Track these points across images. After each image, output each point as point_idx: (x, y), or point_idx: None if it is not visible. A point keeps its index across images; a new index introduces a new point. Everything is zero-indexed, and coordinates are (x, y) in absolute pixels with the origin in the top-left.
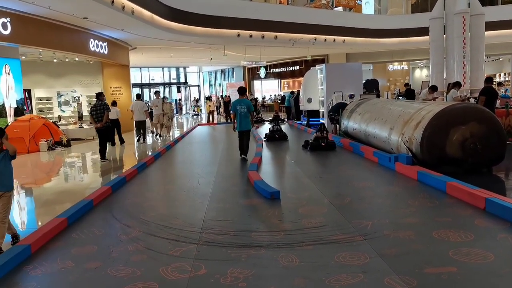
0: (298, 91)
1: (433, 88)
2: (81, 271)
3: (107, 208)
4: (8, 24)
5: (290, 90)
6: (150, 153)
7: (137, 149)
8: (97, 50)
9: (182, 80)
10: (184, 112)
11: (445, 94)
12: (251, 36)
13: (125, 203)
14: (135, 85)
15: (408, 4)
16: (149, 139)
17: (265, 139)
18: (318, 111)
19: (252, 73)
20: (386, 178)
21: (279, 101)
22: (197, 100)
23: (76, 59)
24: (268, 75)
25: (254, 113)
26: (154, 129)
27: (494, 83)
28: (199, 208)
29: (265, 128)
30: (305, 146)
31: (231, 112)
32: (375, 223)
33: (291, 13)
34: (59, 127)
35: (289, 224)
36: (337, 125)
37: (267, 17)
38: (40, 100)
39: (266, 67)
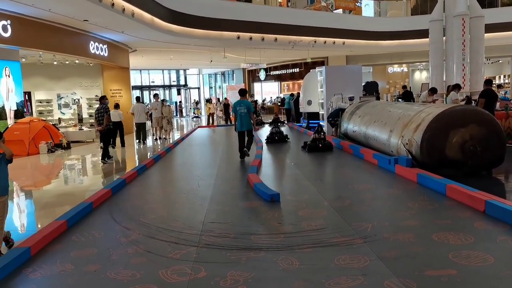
0: (298, 93)
1: (433, 90)
2: (80, 274)
3: (107, 210)
4: (9, 26)
5: (290, 93)
6: (149, 156)
7: (137, 151)
8: (97, 53)
9: (182, 82)
10: (184, 114)
11: (445, 96)
12: (251, 38)
13: (125, 205)
14: (135, 88)
15: (408, 7)
16: (149, 141)
17: (265, 140)
18: (318, 113)
19: (252, 75)
20: (386, 180)
21: (279, 104)
22: (197, 103)
23: (76, 61)
24: (268, 78)
25: (254, 114)
26: (154, 132)
27: (494, 85)
28: (199, 211)
29: (265, 131)
30: (304, 147)
31: (232, 113)
32: (375, 226)
33: (291, 15)
34: (59, 130)
35: (289, 226)
36: (337, 129)
37: (267, 20)
38: (40, 102)
39: (266, 70)
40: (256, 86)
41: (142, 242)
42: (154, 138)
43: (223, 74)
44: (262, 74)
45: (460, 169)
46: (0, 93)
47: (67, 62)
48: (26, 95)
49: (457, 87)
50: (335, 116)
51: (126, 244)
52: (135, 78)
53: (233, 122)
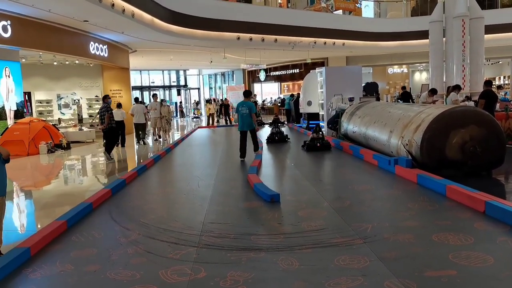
0: (298, 94)
1: (433, 91)
2: (80, 274)
3: (106, 211)
4: (9, 27)
5: (290, 93)
6: (149, 156)
7: (136, 151)
8: (97, 53)
9: (182, 83)
10: (185, 114)
11: (444, 97)
12: (251, 39)
13: (125, 206)
14: (135, 88)
15: (408, 8)
16: (149, 142)
17: (266, 140)
18: (318, 114)
19: (252, 76)
20: (386, 181)
21: (279, 104)
22: (197, 103)
23: (76, 62)
24: (268, 78)
25: (255, 115)
26: (154, 132)
27: (494, 86)
28: (198, 211)
29: (265, 131)
30: (303, 147)
31: (235, 113)
32: (375, 226)
33: (291, 16)
34: (59, 130)
35: (288, 227)
36: (337, 132)
37: (267, 20)
38: (40, 102)
39: (266, 70)
40: (256, 86)
41: (142, 242)
42: (155, 138)
43: (223, 74)
44: (262, 75)
45: (460, 170)
46: (0, 93)
47: (67, 63)
48: (26, 96)
49: (457, 88)
50: (333, 123)
51: (126, 245)
52: (135, 79)
53: (233, 123)
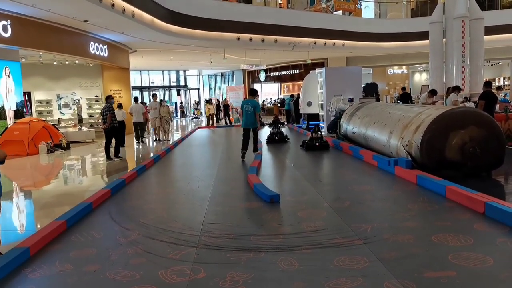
0: (298, 94)
1: (433, 92)
2: (80, 274)
3: (106, 211)
4: (9, 26)
5: (290, 94)
6: (149, 156)
7: (136, 151)
8: (97, 53)
9: (182, 83)
10: (185, 115)
11: (444, 98)
12: (251, 39)
13: (124, 206)
14: (135, 88)
15: (408, 8)
16: (149, 142)
17: (265, 140)
18: (317, 114)
19: (252, 76)
20: (386, 182)
21: (279, 105)
22: (197, 103)
23: (76, 61)
24: (268, 79)
25: (259, 115)
26: (154, 132)
27: (494, 87)
28: (198, 211)
29: (265, 131)
30: (302, 146)
31: (239, 109)
32: (374, 227)
33: (291, 16)
34: (58, 130)
35: (288, 227)
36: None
37: (267, 21)
38: (40, 102)
39: (266, 71)
40: (256, 87)
41: (141, 242)
42: (155, 138)
43: (223, 75)
44: (262, 75)
45: (459, 171)
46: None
47: (67, 63)
48: (26, 95)
49: (456, 89)
50: (335, 126)
51: (125, 245)
52: (135, 79)
53: (232, 123)
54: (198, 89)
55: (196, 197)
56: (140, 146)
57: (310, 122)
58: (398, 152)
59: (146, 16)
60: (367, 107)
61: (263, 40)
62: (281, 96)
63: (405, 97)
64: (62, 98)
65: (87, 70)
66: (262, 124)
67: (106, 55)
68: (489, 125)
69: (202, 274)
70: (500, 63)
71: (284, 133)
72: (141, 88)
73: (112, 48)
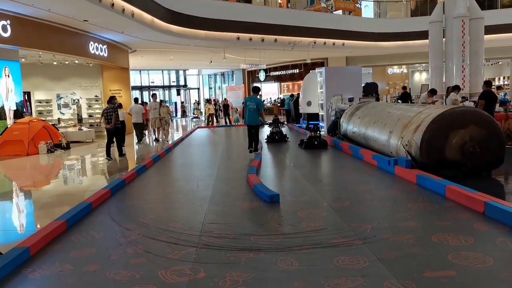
0: (298, 94)
1: (433, 92)
2: (80, 274)
3: (106, 211)
4: (8, 26)
5: (290, 93)
6: (149, 156)
7: (136, 151)
8: (97, 53)
9: (181, 83)
10: (186, 114)
11: (444, 97)
12: (250, 39)
13: (124, 206)
14: (134, 88)
15: (408, 8)
16: (149, 142)
17: (265, 140)
18: (317, 114)
19: (251, 76)
20: (386, 181)
21: (279, 104)
22: (198, 103)
23: (76, 61)
24: (268, 78)
25: (263, 112)
26: (153, 132)
27: (493, 87)
28: (198, 211)
29: (265, 131)
30: (301, 145)
31: (239, 109)
32: (374, 227)
33: (291, 16)
34: (58, 130)
35: (288, 227)
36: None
37: (267, 20)
38: (40, 102)
39: (265, 70)
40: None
41: (141, 242)
42: (154, 138)
43: (222, 74)
44: (261, 75)
45: (459, 170)
46: None
47: (66, 62)
48: (26, 95)
49: (456, 88)
50: (335, 127)
51: (125, 245)
52: (135, 79)
53: (232, 123)
54: (198, 88)
55: (196, 197)
56: (140, 146)
57: (310, 122)
58: (398, 151)
59: (146, 15)
60: (367, 106)
61: (263, 40)
62: (280, 96)
63: (405, 97)
64: (61, 98)
65: (86, 70)
66: (264, 123)
67: (105, 55)
68: (489, 125)
69: (202, 274)
70: (500, 63)
71: (284, 133)
72: (141, 88)
73: (112, 48)
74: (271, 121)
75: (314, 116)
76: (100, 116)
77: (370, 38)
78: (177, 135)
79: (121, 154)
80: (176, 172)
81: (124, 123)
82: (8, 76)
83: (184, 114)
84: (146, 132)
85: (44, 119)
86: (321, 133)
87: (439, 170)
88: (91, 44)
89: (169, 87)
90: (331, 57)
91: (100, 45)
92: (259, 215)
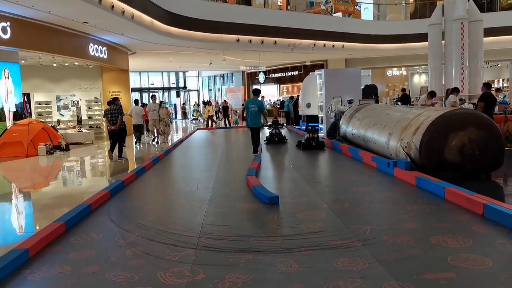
0: (298, 96)
1: (432, 94)
2: (79, 276)
3: (105, 212)
4: (8, 28)
5: (289, 95)
6: (149, 157)
7: (136, 153)
8: (97, 55)
9: (181, 84)
10: (187, 116)
11: (443, 99)
12: (250, 41)
13: (124, 207)
14: (134, 90)
15: (407, 10)
16: (146, 143)
17: (265, 141)
18: (317, 116)
19: (251, 78)
20: (385, 183)
21: (278, 106)
22: (198, 105)
23: (76, 63)
24: (267, 80)
25: (265, 113)
26: (152, 134)
27: (493, 89)
28: (197, 213)
29: (264, 133)
30: (298, 146)
31: (239, 111)
32: (373, 229)
33: (291, 18)
34: (58, 131)
35: (287, 229)
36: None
37: (267, 23)
38: (39, 104)
39: (265, 72)
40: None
41: (140, 244)
42: (152, 140)
43: (222, 76)
44: (261, 77)
45: (459, 172)
46: None
47: (66, 64)
48: (25, 97)
49: (455, 91)
50: (334, 131)
51: (124, 246)
52: (135, 80)
53: (232, 125)
54: (198, 90)
55: (195, 198)
56: (140, 148)
57: (309, 124)
58: (397, 153)
59: (146, 17)
60: (366, 108)
61: (262, 42)
62: (280, 98)
63: (405, 99)
64: (61, 99)
65: (86, 71)
66: (265, 125)
67: (105, 56)
68: (488, 127)
69: (201, 276)
70: (499, 65)
71: (283, 134)
72: (140, 90)
73: (112, 50)
74: (270, 123)
75: (314, 118)
76: (103, 117)
77: (369, 40)
78: (176, 137)
79: (121, 155)
80: (175, 173)
81: (125, 124)
82: (8, 78)
83: (185, 116)
84: (145, 133)
85: (43, 120)
86: (319, 134)
87: (438, 172)
88: (91, 46)
89: (169, 89)
90: (330, 59)
91: (100, 47)
92: (258, 217)
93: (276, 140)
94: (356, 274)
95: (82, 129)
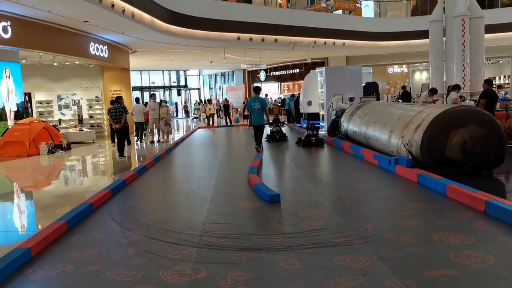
0: (299, 94)
1: (433, 91)
2: (81, 275)
3: (107, 211)
4: (9, 27)
5: (291, 93)
6: (150, 156)
7: (137, 151)
8: (97, 54)
9: (182, 83)
10: (190, 114)
11: (445, 96)
12: (251, 39)
13: (125, 206)
14: (135, 89)
15: (408, 7)
16: (147, 142)
17: (266, 139)
18: (318, 114)
19: (252, 76)
20: (386, 181)
21: (279, 104)
22: (199, 103)
23: (77, 62)
24: (268, 78)
25: (268, 110)
26: (150, 134)
27: (494, 85)
28: (199, 211)
29: (265, 130)
30: (298, 143)
31: (247, 108)
32: (375, 226)
33: (291, 16)
34: (59, 131)
35: (289, 227)
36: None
37: (267, 20)
38: (40, 103)
39: (266, 70)
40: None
41: (142, 242)
42: (151, 140)
43: (223, 74)
44: (262, 75)
45: (460, 169)
46: (0, 94)
47: (67, 63)
48: (26, 96)
49: (457, 88)
50: (335, 128)
51: (126, 245)
52: (135, 79)
53: (233, 123)
54: (199, 89)
55: (197, 197)
56: (141, 146)
57: (310, 122)
58: (398, 151)
59: (146, 16)
60: (367, 106)
61: (263, 40)
62: (281, 96)
63: (405, 96)
64: (62, 99)
65: (87, 70)
66: (267, 122)
67: (106, 55)
68: (489, 124)
69: (203, 274)
70: (500, 62)
71: (284, 132)
72: (141, 89)
73: (112, 49)
74: (271, 121)
75: (315, 116)
76: (107, 115)
77: (370, 37)
78: (177, 136)
79: (122, 154)
80: (177, 172)
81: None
82: (9, 77)
83: (187, 114)
84: (146, 132)
85: (44, 120)
86: (319, 132)
87: (440, 169)
88: (92, 45)
89: (170, 87)
90: (331, 56)
91: (101, 46)
92: (260, 215)
93: (277, 138)
94: (358, 271)
95: (83, 128)
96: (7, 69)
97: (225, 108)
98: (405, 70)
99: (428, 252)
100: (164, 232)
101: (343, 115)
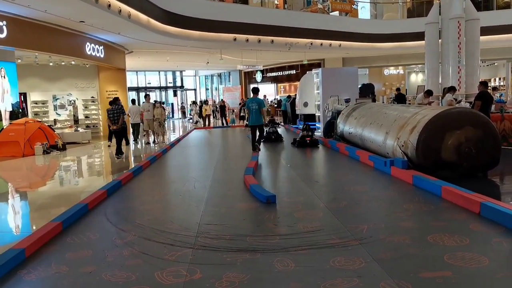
0: (295, 95)
1: (429, 93)
2: (75, 276)
3: (102, 212)
4: (4, 27)
5: (287, 94)
6: (146, 157)
7: (133, 152)
8: (93, 54)
9: (178, 84)
10: (186, 115)
11: (440, 98)
12: (247, 40)
13: (120, 207)
14: (131, 89)
15: (404, 9)
16: (142, 143)
17: (262, 140)
18: (314, 115)
19: (248, 77)
20: (382, 182)
21: (275, 105)
22: (191, 104)
23: (72, 62)
24: (265, 79)
25: (265, 111)
26: (146, 135)
27: (489, 87)
28: (194, 212)
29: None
30: (293, 144)
31: (245, 109)
32: (370, 227)
33: (288, 17)
34: (54, 131)
35: (284, 228)
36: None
37: (264, 22)
38: (36, 103)
39: (262, 71)
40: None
41: (137, 243)
42: (146, 141)
43: (219, 75)
44: (258, 76)
45: (455, 171)
46: None
47: (63, 63)
48: (22, 96)
49: (452, 89)
50: (331, 129)
51: (121, 246)
52: (131, 80)
53: (229, 124)
54: (195, 89)
55: (192, 198)
56: (137, 147)
57: (306, 123)
58: (394, 152)
59: (142, 16)
60: (363, 107)
61: (259, 41)
62: (277, 97)
63: (400, 98)
64: (58, 99)
65: (83, 71)
66: (267, 123)
67: (102, 56)
68: (485, 126)
69: (198, 275)
70: (495, 64)
71: (279, 133)
72: (137, 89)
73: (108, 49)
74: (267, 122)
75: (311, 117)
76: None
77: (366, 39)
78: (173, 136)
79: (119, 154)
80: (172, 173)
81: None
82: (4, 77)
83: (184, 115)
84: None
85: (40, 120)
86: (314, 133)
87: (435, 171)
88: (88, 45)
89: (166, 88)
90: (327, 58)
91: (97, 46)
92: (255, 216)
93: (273, 139)
94: (353, 273)
95: (78, 129)
96: (2, 69)
97: (221, 109)
98: (401, 71)
99: (423, 254)
100: (160, 233)
101: (339, 117)
